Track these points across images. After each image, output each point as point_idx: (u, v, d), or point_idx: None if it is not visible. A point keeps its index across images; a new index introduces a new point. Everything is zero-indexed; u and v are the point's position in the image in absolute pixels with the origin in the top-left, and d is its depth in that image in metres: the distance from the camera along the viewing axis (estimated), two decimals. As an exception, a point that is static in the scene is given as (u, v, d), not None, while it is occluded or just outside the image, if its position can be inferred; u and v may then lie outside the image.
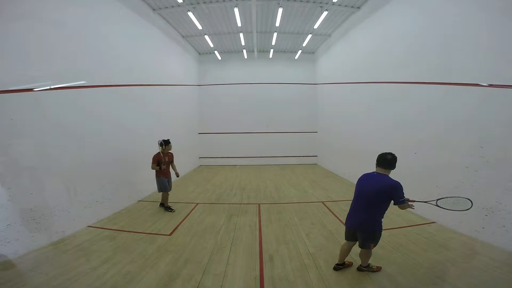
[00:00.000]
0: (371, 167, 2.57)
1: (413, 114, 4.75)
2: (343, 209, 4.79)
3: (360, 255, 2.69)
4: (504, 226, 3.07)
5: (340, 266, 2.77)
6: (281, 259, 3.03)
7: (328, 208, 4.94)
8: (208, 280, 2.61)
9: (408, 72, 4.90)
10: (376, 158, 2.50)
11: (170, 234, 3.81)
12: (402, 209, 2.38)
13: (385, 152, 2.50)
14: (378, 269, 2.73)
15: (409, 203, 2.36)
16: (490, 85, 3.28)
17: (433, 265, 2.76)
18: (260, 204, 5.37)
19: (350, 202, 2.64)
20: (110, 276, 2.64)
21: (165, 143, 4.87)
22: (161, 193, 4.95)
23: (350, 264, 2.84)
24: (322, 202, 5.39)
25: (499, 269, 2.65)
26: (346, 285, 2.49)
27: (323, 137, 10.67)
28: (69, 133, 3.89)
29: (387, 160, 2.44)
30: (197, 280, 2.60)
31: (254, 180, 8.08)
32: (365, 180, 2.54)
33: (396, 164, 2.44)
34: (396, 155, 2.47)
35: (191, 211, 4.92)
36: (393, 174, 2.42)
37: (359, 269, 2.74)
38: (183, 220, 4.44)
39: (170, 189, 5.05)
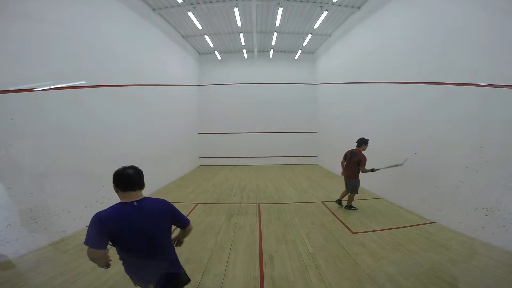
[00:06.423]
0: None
1: (413, 114, 4.74)
2: (343, 209, 4.81)
3: None
4: (504, 226, 3.07)
5: None
6: (281, 259, 3.03)
7: (328, 208, 4.93)
8: (208, 280, 2.61)
9: (408, 72, 4.90)
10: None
11: (170, 234, 3.81)
12: None
13: None
14: None
15: None
16: (490, 85, 3.28)
17: (433, 265, 2.76)
18: (260, 204, 5.37)
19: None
20: (110, 276, 2.64)
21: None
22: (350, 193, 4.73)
23: None
24: (322, 202, 5.39)
25: (499, 269, 2.65)
26: (346, 285, 2.49)
27: (323, 137, 10.66)
28: (69, 133, 3.89)
29: None
30: (197, 280, 2.60)
31: (254, 180, 8.07)
32: None
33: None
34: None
35: (191, 211, 4.92)
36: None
37: None
38: (183, 220, 4.44)
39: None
